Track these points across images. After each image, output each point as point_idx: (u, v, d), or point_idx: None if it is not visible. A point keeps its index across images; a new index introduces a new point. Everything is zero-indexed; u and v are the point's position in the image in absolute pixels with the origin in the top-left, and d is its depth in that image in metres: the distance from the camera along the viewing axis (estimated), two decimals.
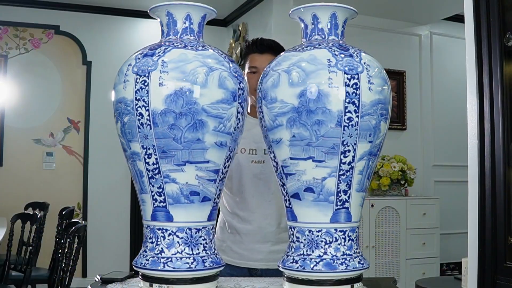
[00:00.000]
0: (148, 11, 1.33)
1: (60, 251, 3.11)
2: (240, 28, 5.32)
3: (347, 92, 1.19)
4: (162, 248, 1.24)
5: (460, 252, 3.71)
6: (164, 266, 1.22)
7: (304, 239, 1.25)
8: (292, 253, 1.27)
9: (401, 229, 4.50)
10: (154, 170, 1.23)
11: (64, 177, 5.25)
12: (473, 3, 1.68)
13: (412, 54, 5.39)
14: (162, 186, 1.24)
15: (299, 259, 1.25)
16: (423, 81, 5.40)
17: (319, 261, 1.22)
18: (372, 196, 4.59)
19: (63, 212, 3.93)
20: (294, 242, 1.27)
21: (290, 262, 1.26)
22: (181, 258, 1.23)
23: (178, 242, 1.24)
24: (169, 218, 1.25)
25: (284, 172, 1.26)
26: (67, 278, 2.96)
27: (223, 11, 5.43)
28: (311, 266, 1.22)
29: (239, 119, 1.26)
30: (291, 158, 1.24)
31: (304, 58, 1.23)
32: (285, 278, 1.29)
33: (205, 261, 1.24)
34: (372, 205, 4.39)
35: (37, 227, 3.64)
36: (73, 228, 2.90)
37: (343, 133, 1.20)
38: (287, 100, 1.21)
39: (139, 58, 1.23)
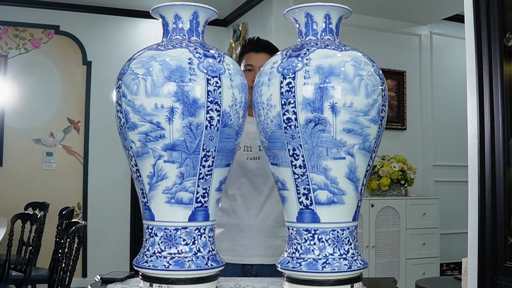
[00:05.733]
0: (150, 11, 1.33)
1: (60, 251, 3.11)
2: (240, 28, 5.32)
3: None
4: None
5: (460, 252, 3.71)
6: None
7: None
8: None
9: (401, 229, 4.50)
10: None
11: (64, 177, 5.25)
12: (473, 3, 1.68)
13: (412, 54, 5.38)
14: None
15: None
16: (423, 81, 5.40)
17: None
18: (372, 196, 4.59)
19: (63, 212, 3.93)
20: (354, 243, 1.26)
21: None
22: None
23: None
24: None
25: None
26: (67, 278, 2.96)
27: (223, 11, 5.43)
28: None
29: (119, 117, 1.20)
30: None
31: None
32: (285, 278, 1.28)
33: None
34: (372, 205, 4.39)
35: (37, 227, 3.63)
36: (73, 228, 2.90)
37: None
38: None
39: None
